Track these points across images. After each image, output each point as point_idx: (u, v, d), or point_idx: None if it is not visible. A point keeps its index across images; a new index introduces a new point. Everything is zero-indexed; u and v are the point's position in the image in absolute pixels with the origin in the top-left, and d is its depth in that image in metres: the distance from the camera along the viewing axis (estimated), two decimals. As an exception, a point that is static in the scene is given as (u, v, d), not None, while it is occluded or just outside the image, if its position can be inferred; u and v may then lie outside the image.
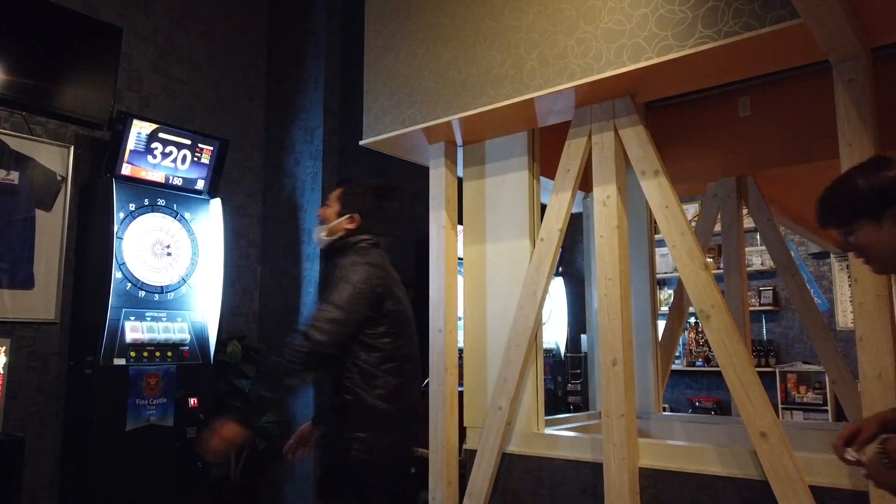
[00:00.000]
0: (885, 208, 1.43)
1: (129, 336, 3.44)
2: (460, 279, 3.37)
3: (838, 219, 1.56)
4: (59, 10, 3.63)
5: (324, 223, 2.48)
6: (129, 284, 3.50)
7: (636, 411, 2.75)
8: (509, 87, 2.80)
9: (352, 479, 2.31)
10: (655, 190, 2.59)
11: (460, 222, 3.39)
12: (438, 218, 3.29)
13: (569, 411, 5.32)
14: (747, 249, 6.35)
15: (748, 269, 6.27)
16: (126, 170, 3.60)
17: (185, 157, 3.84)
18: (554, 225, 2.87)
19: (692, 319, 6.45)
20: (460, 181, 3.43)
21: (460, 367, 3.29)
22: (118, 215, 3.50)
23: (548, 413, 3.14)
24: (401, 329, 2.51)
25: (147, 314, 3.55)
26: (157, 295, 3.61)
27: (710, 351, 6.64)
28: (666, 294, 7.11)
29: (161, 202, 3.71)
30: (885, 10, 2.05)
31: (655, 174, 2.60)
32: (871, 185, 1.46)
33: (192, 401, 3.63)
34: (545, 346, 6.25)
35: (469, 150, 3.39)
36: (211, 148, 3.96)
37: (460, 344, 3.32)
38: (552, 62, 2.67)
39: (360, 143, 3.44)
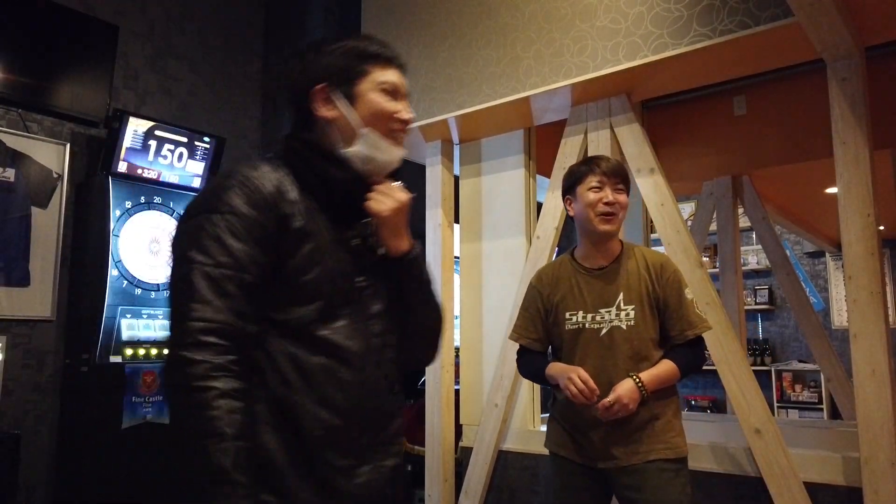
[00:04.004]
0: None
1: (126, 334, 3.43)
2: (457, 277, 3.37)
3: (624, 176, 1.94)
4: (56, 8, 3.63)
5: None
6: (126, 282, 3.50)
7: (631, 409, 2.76)
8: (505, 86, 2.81)
9: None
10: (651, 188, 2.60)
11: (457, 220, 3.40)
12: (435, 216, 3.30)
13: (565, 410, 5.32)
14: (742, 248, 6.37)
15: (743, 268, 6.30)
16: (122, 167, 3.60)
17: (181, 154, 3.84)
18: (550, 223, 2.88)
19: (688, 318, 6.46)
20: (457, 179, 3.44)
21: (457, 364, 3.30)
22: (114, 213, 3.50)
23: (544, 411, 3.15)
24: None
25: (143, 312, 3.55)
26: (153, 292, 3.61)
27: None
28: (662, 293, 7.11)
29: (157, 200, 3.71)
30: (879, 9, 2.06)
31: (651, 172, 2.60)
32: None
33: (189, 399, 3.63)
34: (541, 344, 6.26)
35: (465, 148, 3.40)
36: (207, 146, 3.96)
37: (457, 342, 3.33)
38: (548, 60, 2.68)
39: (357, 141, 3.44)
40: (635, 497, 1.80)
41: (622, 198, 1.90)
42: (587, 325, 1.90)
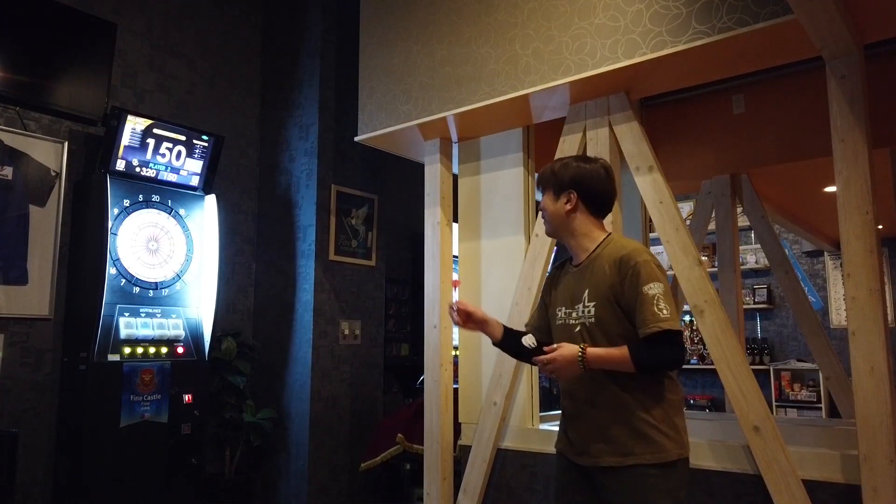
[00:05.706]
0: (561, 191, 1.92)
1: (124, 332, 3.42)
2: (455, 276, 3.37)
3: (541, 182, 1.99)
4: (54, 6, 3.62)
5: None
6: (124, 280, 3.49)
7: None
8: (504, 83, 2.80)
9: None
10: (650, 185, 2.60)
11: (455, 219, 3.39)
12: (433, 214, 3.30)
13: (563, 408, 5.32)
14: (741, 248, 6.37)
15: (742, 267, 6.29)
16: (120, 165, 3.59)
17: (179, 153, 3.83)
18: (549, 221, 2.87)
19: (686, 318, 6.47)
20: (455, 178, 3.44)
21: (455, 363, 3.30)
22: (112, 211, 3.49)
23: (543, 409, 3.15)
24: None
25: (141, 310, 3.54)
26: (151, 291, 3.60)
27: (704, 349, 6.66)
28: (661, 292, 7.10)
29: (156, 198, 3.70)
30: (878, 6, 2.06)
31: (650, 170, 2.60)
32: (564, 172, 1.93)
33: (187, 397, 3.62)
34: (540, 343, 6.26)
35: (464, 146, 3.39)
36: (206, 144, 3.95)
37: (455, 341, 3.33)
38: (547, 58, 2.68)
39: (356, 139, 3.44)
40: (614, 501, 1.77)
41: (543, 202, 1.98)
42: (565, 321, 1.92)
